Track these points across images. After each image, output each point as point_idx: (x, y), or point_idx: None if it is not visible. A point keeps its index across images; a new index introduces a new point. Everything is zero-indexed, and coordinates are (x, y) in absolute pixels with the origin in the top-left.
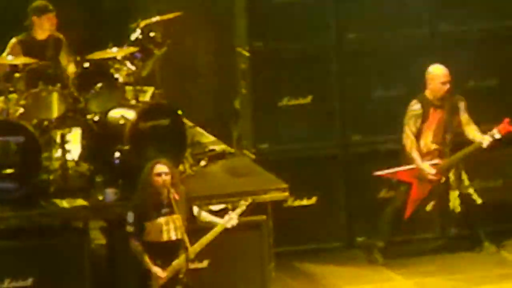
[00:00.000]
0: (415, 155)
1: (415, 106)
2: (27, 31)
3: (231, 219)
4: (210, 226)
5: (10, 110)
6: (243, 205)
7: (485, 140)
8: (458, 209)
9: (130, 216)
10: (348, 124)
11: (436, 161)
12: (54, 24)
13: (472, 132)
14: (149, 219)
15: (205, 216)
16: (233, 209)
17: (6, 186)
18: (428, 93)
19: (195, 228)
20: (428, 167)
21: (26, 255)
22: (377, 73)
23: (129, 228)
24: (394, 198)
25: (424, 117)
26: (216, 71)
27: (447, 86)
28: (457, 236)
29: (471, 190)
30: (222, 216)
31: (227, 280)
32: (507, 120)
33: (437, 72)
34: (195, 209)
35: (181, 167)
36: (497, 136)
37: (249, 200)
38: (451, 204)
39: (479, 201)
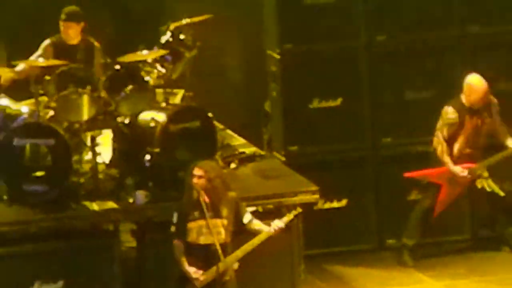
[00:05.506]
0: (446, 159)
1: (452, 115)
2: (60, 34)
3: (278, 228)
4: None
5: (41, 113)
6: (291, 214)
7: None
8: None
9: (175, 216)
10: (378, 127)
11: (468, 164)
12: (79, 33)
13: (505, 135)
14: (191, 220)
15: (256, 223)
16: (280, 218)
17: (36, 188)
18: (465, 101)
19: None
20: (460, 169)
21: (57, 257)
22: (407, 75)
23: (172, 228)
24: (423, 198)
25: (459, 124)
26: (246, 73)
27: (487, 99)
28: (487, 237)
29: (492, 184)
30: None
31: (257, 281)
32: None
33: (479, 86)
34: (248, 216)
35: None
36: None
37: (298, 209)
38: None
39: (501, 193)
